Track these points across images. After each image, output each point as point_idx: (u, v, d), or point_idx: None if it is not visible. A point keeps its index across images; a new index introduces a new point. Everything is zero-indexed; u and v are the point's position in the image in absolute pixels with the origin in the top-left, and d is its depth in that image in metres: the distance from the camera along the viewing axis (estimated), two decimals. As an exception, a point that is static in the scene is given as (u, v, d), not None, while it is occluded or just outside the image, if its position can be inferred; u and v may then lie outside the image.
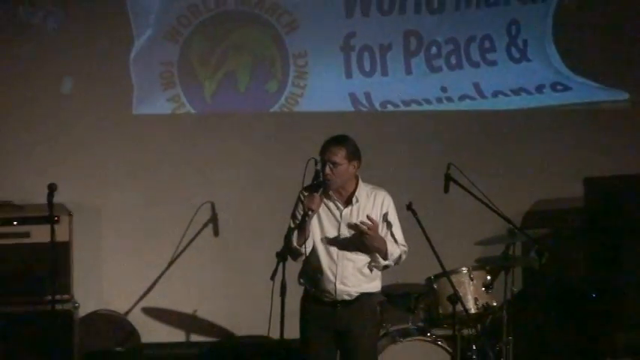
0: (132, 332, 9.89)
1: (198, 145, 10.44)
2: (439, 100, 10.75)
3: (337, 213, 7.84)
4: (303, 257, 7.82)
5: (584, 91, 10.80)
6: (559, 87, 10.77)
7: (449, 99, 10.77)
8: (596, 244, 10.29)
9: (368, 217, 7.77)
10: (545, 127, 10.72)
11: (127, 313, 10.07)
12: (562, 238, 10.18)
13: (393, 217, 7.91)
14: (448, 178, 8.68)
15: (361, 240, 7.77)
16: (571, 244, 10.39)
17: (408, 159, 10.26)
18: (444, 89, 10.75)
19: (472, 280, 9.14)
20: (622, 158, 10.48)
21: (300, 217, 7.85)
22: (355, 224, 7.80)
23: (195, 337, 10.31)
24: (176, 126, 10.50)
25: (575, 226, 10.46)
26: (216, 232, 10.10)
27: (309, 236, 7.75)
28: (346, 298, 7.89)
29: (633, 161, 10.44)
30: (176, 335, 10.31)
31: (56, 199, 8.49)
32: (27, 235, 9.52)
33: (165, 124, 10.44)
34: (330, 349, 8.01)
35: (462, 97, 10.75)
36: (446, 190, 8.71)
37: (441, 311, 9.09)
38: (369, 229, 7.67)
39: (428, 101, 10.71)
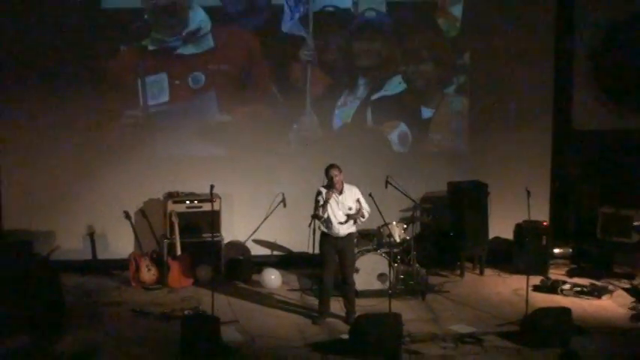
0: (246, 250, 9.86)
1: (277, 166, 10.11)
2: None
3: (337, 198, 8.14)
4: (323, 219, 8.16)
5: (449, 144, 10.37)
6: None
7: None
8: (453, 211, 10.02)
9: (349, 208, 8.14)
10: (429, 161, 10.33)
11: (244, 241, 9.83)
12: (437, 209, 10.10)
13: (361, 198, 8.23)
14: (387, 182, 9.14)
15: (350, 215, 8.15)
16: (442, 211, 10.10)
17: (368, 172, 9.62)
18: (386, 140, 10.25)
19: (397, 227, 9.34)
20: (463, 173, 10.14)
21: (320, 202, 8.11)
22: (348, 208, 8.14)
23: (275, 252, 10.06)
24: (265, 158, 10.09)
25: (443, 203, 10.16)
26: (285, 205, 9.58)
27: (327, 210, 8.11)
28: (342, 235, 8.20)
29: (467, 175, 10.09)
30: (265, 251, 10.04)
31: (214, 191, 8.49)
32: (200, 207, 9.53)
33: (256, 158, 10.07)
34: (334, 258, 8.27)
35: (396, 144, 10.28)
36: (386, 187, 9.12)
37: (383, 241, 9.20)
38: (356, 211, 8.15)
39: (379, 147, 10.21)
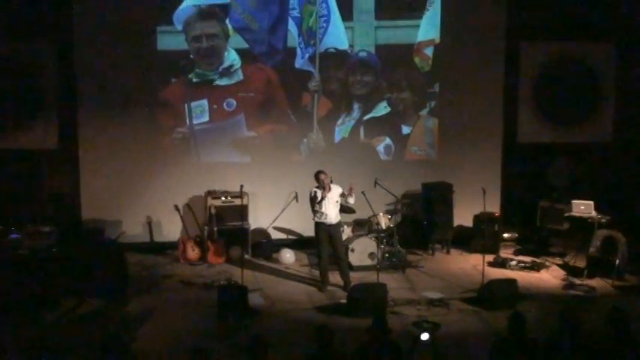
0: (268, 234, 9.71)
1: (291, 171, 9.86)
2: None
3: (326, 194, 8.07)
4: (320, 212, 8.10)
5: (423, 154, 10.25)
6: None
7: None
8: (426, 205, 9.85)
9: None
10: (408, 167, 10.20)
11: (266, 228, 9.75)
12: (414, 203, 10.06)
13: (343, 193, 8.18)
14: (376, 182, 9.21)
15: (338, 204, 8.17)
16: (418, 205, 10.03)
17: (361, 176, 9.30)
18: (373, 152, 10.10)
19: (383, 217, 9.30)
20: (434, 176, 10.02)
21: (317, 198, 8.08)
22: (335, 201, 8.12)
23: (290, 236, 9.91)
24: (282, 165, 9.91)
25: (419, 199, 10.01)
26: (297, 201, 9.53)
27: (323, 205, 8.09)
28: (333, 223, 8.16)
29: (437, 177, 9.99)
30: (282, 235, 9.90)
31: (243, 189, 8.54)
32: (232, 202, 9.39)
33: (275, 164, 9.89)
34: (326, 242, 8.18)
35: (382, 154, 10.11)
36: (374, 186, 9.16)
37: (373, 227, 9.21)
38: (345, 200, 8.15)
39: (369, 156, 10.01)
